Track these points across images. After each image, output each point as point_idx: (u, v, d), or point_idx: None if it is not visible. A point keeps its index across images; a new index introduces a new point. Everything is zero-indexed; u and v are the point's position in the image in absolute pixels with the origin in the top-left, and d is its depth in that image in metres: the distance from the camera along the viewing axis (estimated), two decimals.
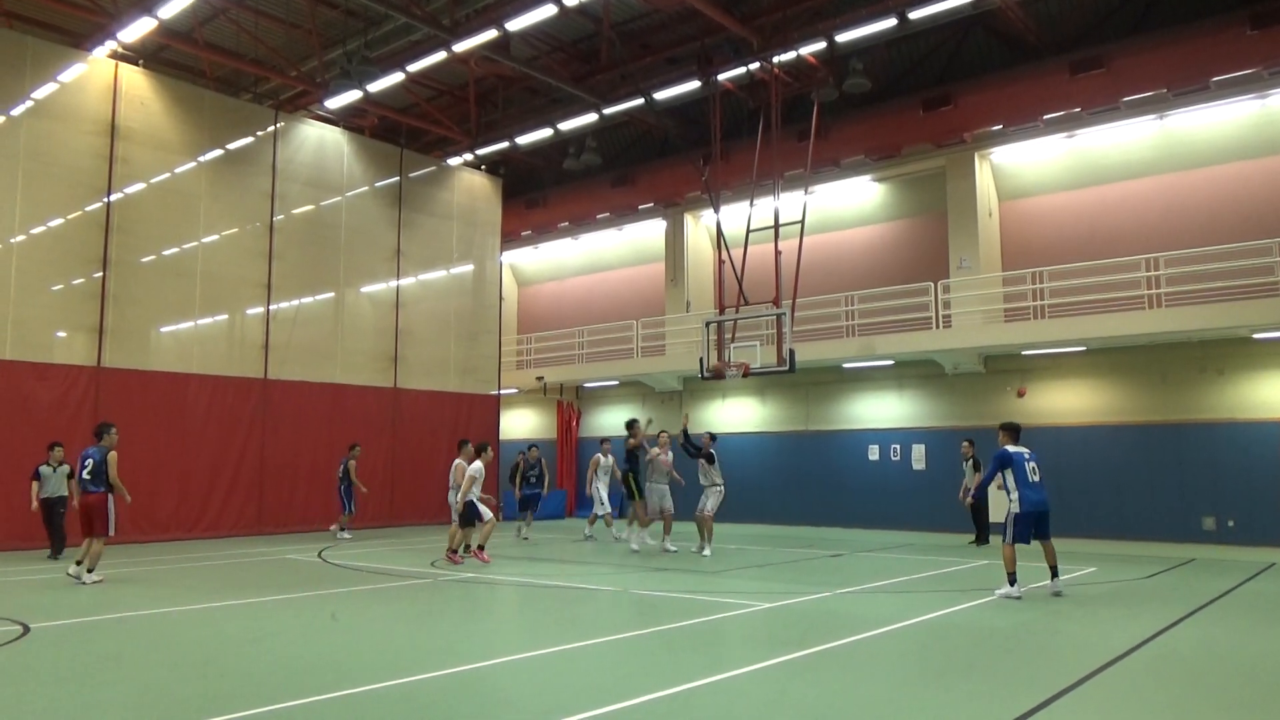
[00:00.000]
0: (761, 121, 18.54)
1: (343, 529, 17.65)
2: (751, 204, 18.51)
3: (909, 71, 21.16)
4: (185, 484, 17.55)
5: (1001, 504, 10.42)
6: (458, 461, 13.99)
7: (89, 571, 10.94)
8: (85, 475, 11.08)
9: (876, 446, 20.36)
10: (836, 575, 11.85)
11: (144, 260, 17.51)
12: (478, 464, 13.12)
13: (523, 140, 21.63)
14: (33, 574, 12.10)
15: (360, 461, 17.84)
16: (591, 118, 20.30)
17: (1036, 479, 9.93)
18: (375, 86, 18.33)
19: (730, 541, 16.54)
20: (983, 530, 16.33)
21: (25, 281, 16.03)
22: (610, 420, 25.48)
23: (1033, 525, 9.88)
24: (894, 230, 21.94)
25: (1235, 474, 16.29)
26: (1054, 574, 10.04)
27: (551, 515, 23.95)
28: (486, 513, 13.18)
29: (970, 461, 16.40)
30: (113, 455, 11.13)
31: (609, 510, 17.40)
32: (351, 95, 18.59)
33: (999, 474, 10.04)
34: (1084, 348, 17.70)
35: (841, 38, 16.62)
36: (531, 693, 6.01)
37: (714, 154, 19.55)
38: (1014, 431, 10.39)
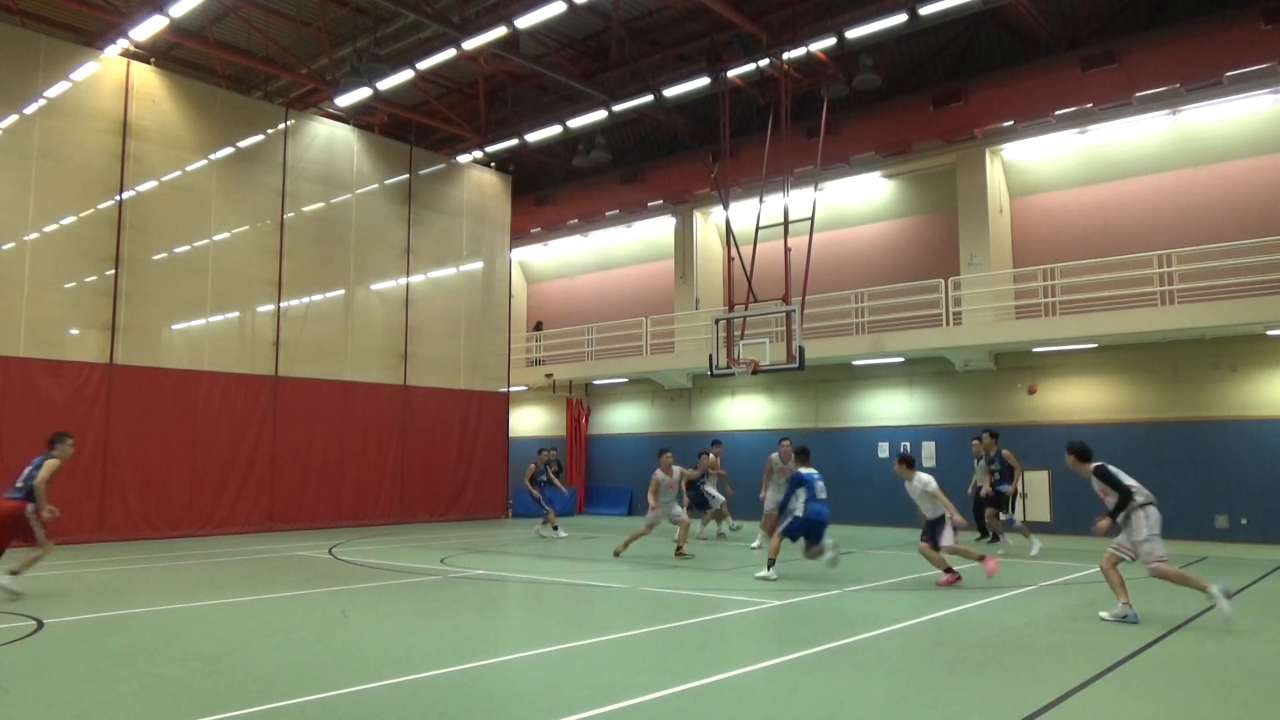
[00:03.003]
0: (771, 118, 18.52)
1: (555, 527, 17.72)
2: (761, 201, 18.50)
3: (919, 67, 21.09)
4: (197, 481, 17.63)
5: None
6: (675, 469, 13.92)
7: (11, 574, 9.47)
8: (17, 484, 9.70)
9: (886, 444, 20.30)
10: (846, 573, 11.81)
11: (156, 258, 17.59)
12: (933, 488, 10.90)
13: (532, 137, 21.64)
14: (42, 571, 12.16)
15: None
16: (601, 115, 20.28)
17: (823, 496, 11.26)
18: (385, 84, 18.38)
19: (740, 539, 16.51)
20: (986, 528, 16.21)
21: (38, 279, 16.12)
22: (620, 418, 25.48)
23: (804, 530, 11.19)
24: (904, 227, 21.88)
25: (1248, 471, 16.20)
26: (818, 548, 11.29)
27: (561, 513, 23.94)
28: (949, 536, 10.82)
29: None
30: (51, 462, 9.72)
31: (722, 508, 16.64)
32: (361, 93, 18.63)
33: (793, 491, 11.43)
34: (1095, 344, 17.61)
35: (851, 34, 16.57)
36: (541, 690, 6.03)
37: (723, 151, 19.51)
38: (806, 455, 11.94)
